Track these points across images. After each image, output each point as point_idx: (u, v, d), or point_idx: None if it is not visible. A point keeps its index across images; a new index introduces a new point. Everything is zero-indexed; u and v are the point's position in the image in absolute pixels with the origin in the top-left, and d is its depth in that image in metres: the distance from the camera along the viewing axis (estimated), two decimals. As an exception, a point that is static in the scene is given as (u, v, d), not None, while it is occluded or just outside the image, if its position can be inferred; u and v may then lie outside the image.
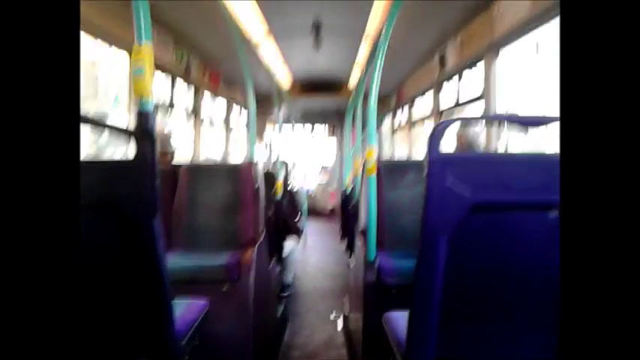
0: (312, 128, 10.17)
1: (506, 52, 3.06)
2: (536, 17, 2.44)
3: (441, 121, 1.02)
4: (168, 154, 3.12)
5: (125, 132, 1.34)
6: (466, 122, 2.43)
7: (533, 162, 1.02)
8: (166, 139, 3.12)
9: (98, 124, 1.13)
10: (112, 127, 1.17)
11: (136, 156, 1.08)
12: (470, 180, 0.99)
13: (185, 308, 1.54)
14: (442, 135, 1.01)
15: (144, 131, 1.17)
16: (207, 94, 4.93)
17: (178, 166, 2.82)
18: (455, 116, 3.83)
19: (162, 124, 3.83)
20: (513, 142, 3.05)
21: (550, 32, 2.52)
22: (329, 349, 3.01)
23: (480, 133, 2.32)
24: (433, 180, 0.99)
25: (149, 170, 1.08)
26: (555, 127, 0.98)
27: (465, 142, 2.32)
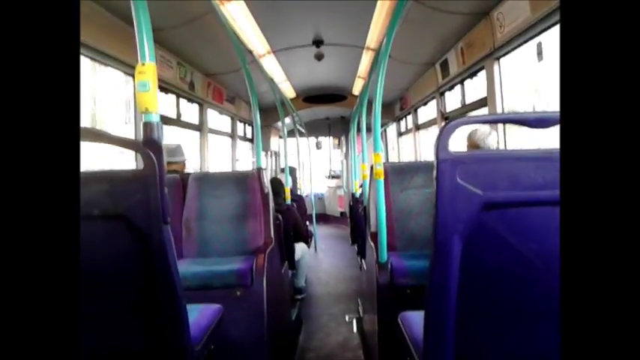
0: (318, 142, 10.13)
1: (508, 58, 3.08)
2: (536, 23, 2.45)
3: (449, 121, 1.02)
4: (179, 163, 3.15)
5: (132, 143, 1.36)
6: (474, 124, 2.42)
7: (543, 158, 1.02)
8: (175, 149, 3.16)
9: (106, 136, 1.15)
10: (119, 139, 1.19)
11: (144, 166, 1.09)
12: (480, 178, 0.99)
13: (199, 314, 1.55)
14: (450, 135, 1.01)
15: (150, 141, 1.19)
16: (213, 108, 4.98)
17: (187, 175, 2.84)
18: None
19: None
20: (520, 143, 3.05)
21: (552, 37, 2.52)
22: (344, 351, 3.02)
23: (488, 134, 2.31)
24: (443, 179, 0.99)
25: (157, 179, 1.10)
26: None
27: (473, 144, 2.31)
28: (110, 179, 1.12)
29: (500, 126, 3.10)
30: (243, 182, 2.75)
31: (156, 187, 1.10)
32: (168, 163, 3.04)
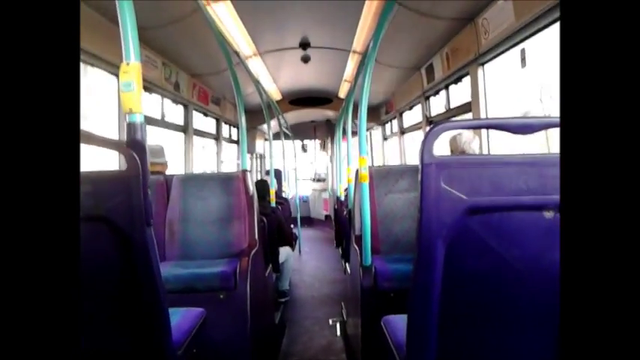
0: (304, 145, 10.14)
1: (492, 64, 3.13)
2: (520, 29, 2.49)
3: (434, 125, 1.03)
4: (161, 164, 3.11)
5: (116, 144, 1.34)
6: (459, 128, 2.45)
7: (527, 163, 1.03)
8: (158, 150, 3.12)
9: (88, 136, 1.13)
10: (101, 139, 1.17)
11: (127, 167, 1.08)
12: (464, 182, 1.00)
13: (182, 317, 1.53)
14: (435, 139, 1.01)
15: (134, 142, 1.17)
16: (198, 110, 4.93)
17: (171, 177, 2.81)
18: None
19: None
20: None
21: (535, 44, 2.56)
22: (328, 355, 3.01)
23: (473, 138, 2.34)
24: (427, 183, 0.99)
25: (140, 181, 1.08)
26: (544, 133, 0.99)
27: (458, 149, 2.34)
28: (92, 180, 1.09)
29: (483, 131, 3.13)
30: (228, 184, 2.73)
31: (139, 189, 1.08)
32: (152, 163, 3.00)
